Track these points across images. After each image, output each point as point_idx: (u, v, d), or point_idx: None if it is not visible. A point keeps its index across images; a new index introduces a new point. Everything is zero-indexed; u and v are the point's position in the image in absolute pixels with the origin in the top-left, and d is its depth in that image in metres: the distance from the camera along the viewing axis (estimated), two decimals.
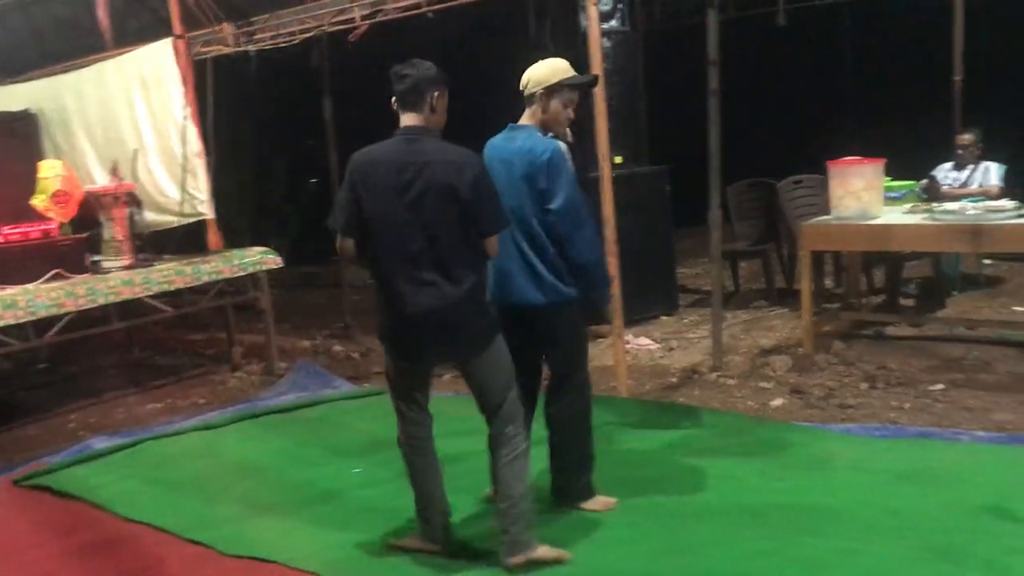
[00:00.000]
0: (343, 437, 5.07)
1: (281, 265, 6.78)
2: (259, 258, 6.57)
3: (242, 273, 6.48)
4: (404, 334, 3.33)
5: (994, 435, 4.34)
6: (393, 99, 3.31)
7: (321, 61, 7.57)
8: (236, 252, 6.69)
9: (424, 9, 5.93)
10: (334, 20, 6.44)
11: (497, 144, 3.71)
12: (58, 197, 6.35)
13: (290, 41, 6.69)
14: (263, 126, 11.67)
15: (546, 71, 3.70)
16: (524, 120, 3.73)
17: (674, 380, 5.70)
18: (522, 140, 3.63)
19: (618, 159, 6.66)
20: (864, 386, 5.22)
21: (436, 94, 3.29)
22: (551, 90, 3.66)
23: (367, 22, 6.23)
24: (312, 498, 4.24)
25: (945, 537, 3.33)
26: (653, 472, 4.20)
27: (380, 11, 6.17)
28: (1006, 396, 4.87)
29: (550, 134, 3.69)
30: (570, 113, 3.74)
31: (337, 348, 7.31)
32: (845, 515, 3.58)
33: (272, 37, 6.77)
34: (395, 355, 3.44)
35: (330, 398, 5.89)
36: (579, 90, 3.77)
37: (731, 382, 5.52)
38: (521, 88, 3.71)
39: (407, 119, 3.29)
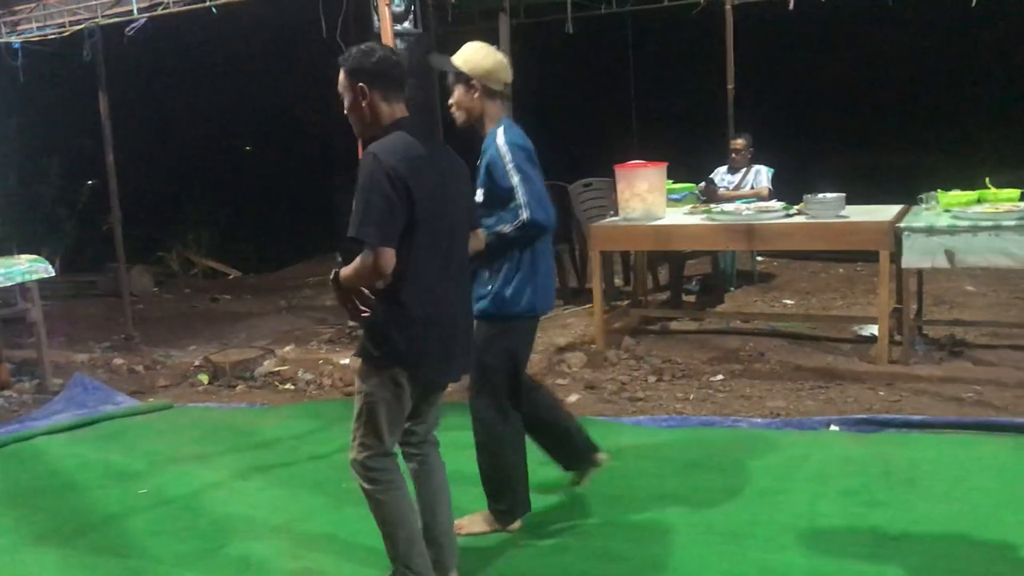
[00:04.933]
0: (127, 457, 4.74)
1: (54, 274, 6.28)
2: (29, 267, 6.05)
3: (9, 284, 5.95)
4: (448, 345, 2.96)
5: (769, 421, 4.67)
6: (372, 87, 2.87)
7: (95, 55, 7.07)
8: (2, 261, 6.14)
9: (207, 4, 5.67)
10: (109, 12, 6.05)
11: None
12: None
13: (59, 33, 6.22)
14: (32, 124, 10.80)
15: None
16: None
17: None
18: None
19: None
20: (652, 379, 5.47)
21: None
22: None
23: (146, 15, 5.89)
24: (92, 524, 3.93)
25: (729, 520, 3.54)
26: (458, 474, 4.20)
27: (160, 4, 5.85)
28: (778, 384, 5.25)
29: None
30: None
31: (118, 361, 6.86)
32: (637, 504, 3.73)
33: (39, 28, 6.27)
34: (427, 374, 2.97)
35: (112, 415, 5.51)
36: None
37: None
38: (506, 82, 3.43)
39: (402, 110, 2.91)
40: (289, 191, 11.40)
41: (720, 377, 5.42)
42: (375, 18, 6.39)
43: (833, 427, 4.49)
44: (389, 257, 2.73)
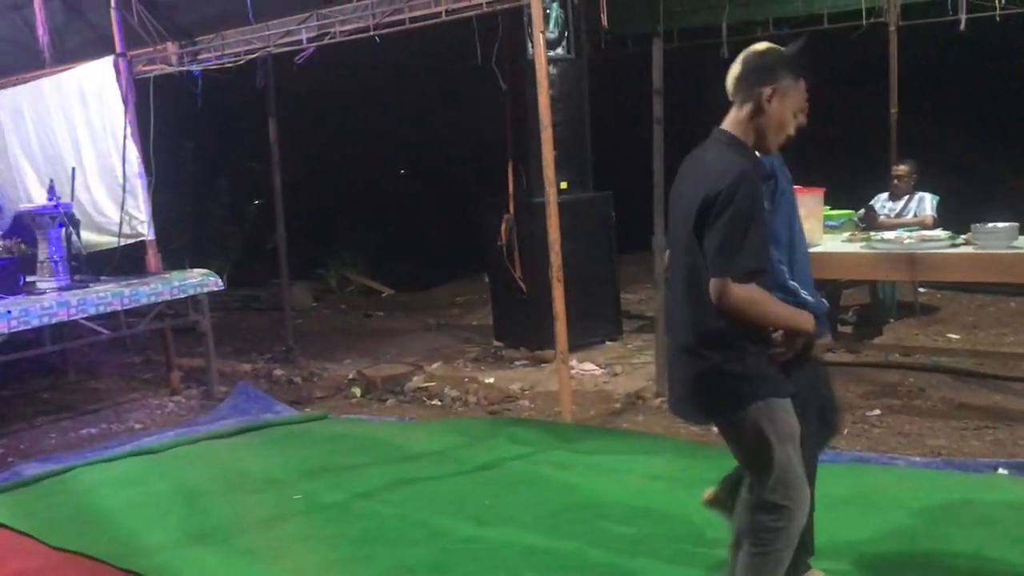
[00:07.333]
0: (284, 463, 4.98)
1: (222, 288, 6.67)
2: (200, 280, 6.45)
3: (182, 295, 6.35)
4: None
5: (929, 460, 4.43)
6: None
7: (266, 82, 7.50)
8: (176, 274, 6.58)
9: (372, 33, 5.92)
10: (280, 42, 6.40)
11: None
12: None
13: (235, 62, 6.63)
14: (206, 147, 11.55)
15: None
16: None
17: (618, 405, 5.72)
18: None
19: (563, 185, 6.71)
20: None
21: (769, 91, 2.63)
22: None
23: (314, 44, 6.20)
24: (250, 525, 4.15)
25: (884, 561, 3.38)
26: (598, 498, 4.20)
27: (327, 34, 6.15)
28: (940, 422, 4.98)
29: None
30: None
31: (279, 372, 7.21)
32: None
33: (217, 57, 6.70)
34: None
35: (271, 423, 5.80)
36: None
37: None
38: None
39: (725, 119, 2.72)
40: (440, 213, 11.70)
41: (877, 412, 5.19)
42: (529, 45, 6.53)
43: (1001, 470, 4.21)
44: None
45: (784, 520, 2.61)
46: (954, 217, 6.57)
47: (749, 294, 2.50)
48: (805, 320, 2.65)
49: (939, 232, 5.85)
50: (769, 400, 2.59)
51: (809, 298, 2.90)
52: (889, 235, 5.92)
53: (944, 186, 7.20)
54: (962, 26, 6.25)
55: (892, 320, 7.34)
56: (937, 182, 7.23)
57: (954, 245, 5.44)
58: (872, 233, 6.20)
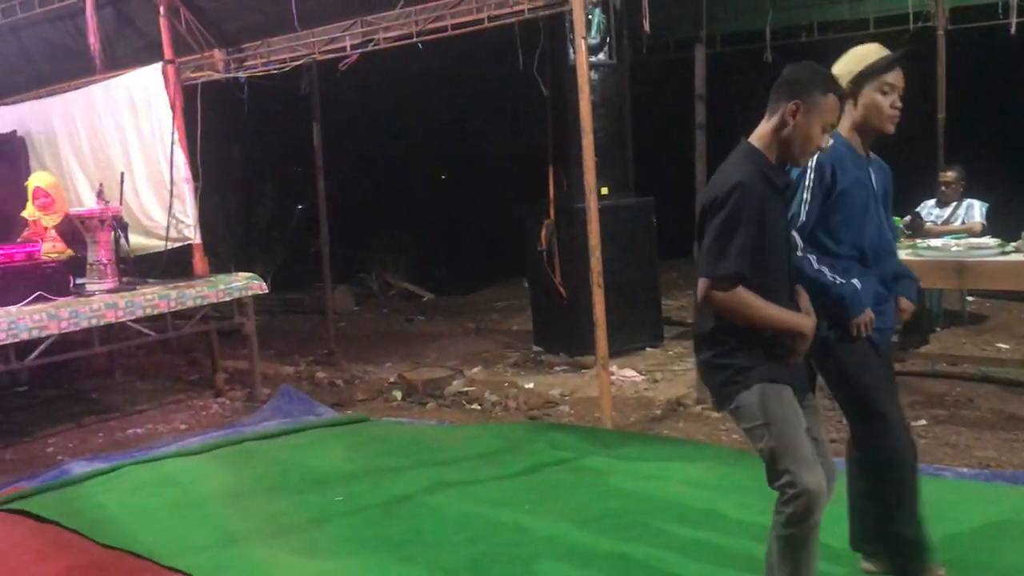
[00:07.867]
0: (325, 464, 5.02)
1: (266, 291, 6.75)
2: (245, 283, 6.53)
3: (227, 298, 6.43)
4: None
5: (977, 471, 4.35)
6: None
7: (311, 89, 7.60)
8: (222, 277, 6.67)
9: (414, 40, 5.97)
10: (325, 48, 6.48)
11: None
12: (37, 196, 6.38)
13: (280, 68, 6.72)
14: (251, 152, 11.71)
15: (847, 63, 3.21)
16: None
17: (659, 412, 5.69)
18: None
19: (604, 190, 6.70)
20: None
21: (794, 106, 2.69)
22: (858, 82, 3.16)
23: (358, 51, 6.27)
24: (292, 526, 4.19)
25: None
26: (638, 504, 4.19)
27: (371, 41, 6.21)
28: (989, 433, 4.89)
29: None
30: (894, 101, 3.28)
31: (321, 375, 7.28)
32: (828, 550, 3.57)
33: (263, 64, 6.80)
34: None
35: (313, 425, 5.85)
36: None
37: (716, 415, 5.51)
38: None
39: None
40: (480, 218, 11.74)
41: (923, 422, 5.11)
42: (570, 51, 6.54)
43: None
44: None
45: (791, 506, 2.65)
46: (1004, 224, 6.45)
47: (732, 296, 2.62)
48: (797, 323, 2.71)
49: (988, 240, 5.75)
50: (754, 387, 2.68)
51: (836, 280, 2.97)
52: (936, 242, 5.83)
53: (993, 193, 7.08)
54: (1012, 29, 6.15)
55: (939, 329, 7.22)
56: (986, 189, 7.10)
57: (1004, 253, 5.34)
58: (919, 240, 6.11)
